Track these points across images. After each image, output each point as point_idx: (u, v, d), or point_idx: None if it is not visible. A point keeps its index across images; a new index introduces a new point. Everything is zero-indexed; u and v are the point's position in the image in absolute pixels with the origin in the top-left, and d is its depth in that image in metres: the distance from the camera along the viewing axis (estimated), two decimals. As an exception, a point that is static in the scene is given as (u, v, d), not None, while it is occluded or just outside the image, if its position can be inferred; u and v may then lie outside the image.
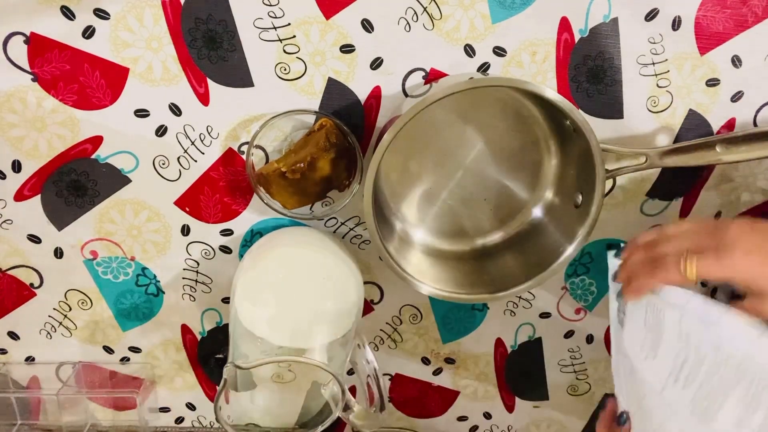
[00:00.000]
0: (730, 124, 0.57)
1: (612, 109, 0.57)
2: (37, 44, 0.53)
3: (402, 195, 0.60)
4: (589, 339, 0.67)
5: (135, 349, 0.65)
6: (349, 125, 0.54)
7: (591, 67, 0.55)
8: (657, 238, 0.47)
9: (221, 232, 0.60)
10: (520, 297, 0.64)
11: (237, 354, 0.54)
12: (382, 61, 0.55)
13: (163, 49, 0.54)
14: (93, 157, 0.57)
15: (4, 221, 0.59)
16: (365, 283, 0.62)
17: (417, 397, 0.69)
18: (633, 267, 0.47)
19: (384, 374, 0.68)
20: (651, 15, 0.54)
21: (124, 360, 0.66)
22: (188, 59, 0.54)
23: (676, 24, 0.54)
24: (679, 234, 0.46)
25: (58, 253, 0.60)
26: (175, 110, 0.55)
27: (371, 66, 0.55)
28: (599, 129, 0.55)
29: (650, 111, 0.57)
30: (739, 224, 0.43)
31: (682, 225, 0.47)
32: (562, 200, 0.58)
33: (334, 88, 0.55)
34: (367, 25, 0.53)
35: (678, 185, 0.60)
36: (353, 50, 0.54)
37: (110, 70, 0.54)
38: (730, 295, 0.65)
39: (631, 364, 0.47)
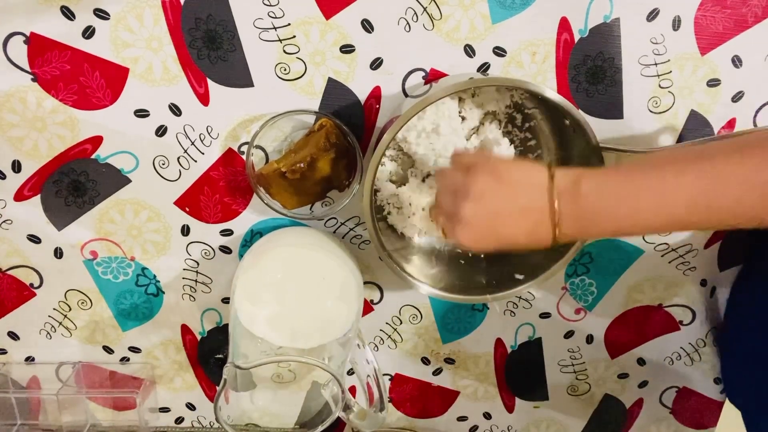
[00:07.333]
0: (730, 124, 0.57)
1: (612, 109, 0.57)
2: (37, 44, 0.53)
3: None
4: (589, 339, 0.67)
5: (135, 349, 0.65)
6: (349, 125, 0.54)
7: (591, 67, 0.55)
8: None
9: (221, 232, 0.60)
10: (520, 297, 0.64)
11: (237, 354, 0.53)
12: (382, 61, 0.55)
13: (163, 49, 0.54)
14: (93, 157, 0.57)
15: (4, 221, 0.59)
16: (365, 283, 0.62)
17: (417, 397, 0.69)
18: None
19: (384, 374, 0.68)
20: (652, 15, 0.54)
21: (124, 360, 0.66)
22: (188, 59, 0.54)
23: (676, 24, 0.54)
24: (446, 186, 0.46)
25: (58, 253, 0.60)
26: (175, 110, 0.55)
27: (371, 66, 0.55)
28: (599, 129, 0.55)
29: (651, 111, 0.57)
30: (477, 193, 0.43)
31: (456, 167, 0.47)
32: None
33: (334, 88, 0.55)
34: (367, 25, 0.53)
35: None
36: (353, 50, 0.54)
37: (110, 70, 0.54)
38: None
39: None
